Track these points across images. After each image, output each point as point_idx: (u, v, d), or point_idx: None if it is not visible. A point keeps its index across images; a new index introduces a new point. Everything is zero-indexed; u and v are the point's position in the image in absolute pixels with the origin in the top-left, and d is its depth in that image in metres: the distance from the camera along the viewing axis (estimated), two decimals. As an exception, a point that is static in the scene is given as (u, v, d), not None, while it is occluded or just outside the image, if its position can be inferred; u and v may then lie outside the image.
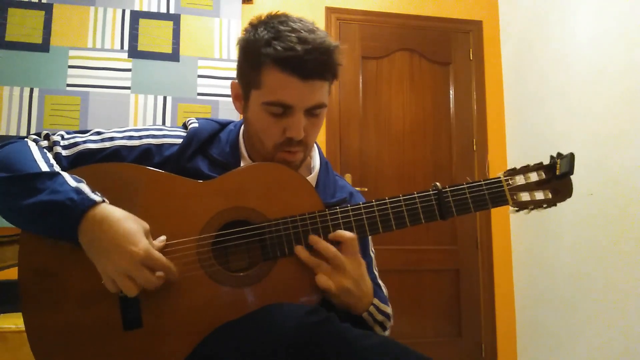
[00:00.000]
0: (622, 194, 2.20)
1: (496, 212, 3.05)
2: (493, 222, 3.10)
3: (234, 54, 2.83)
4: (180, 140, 0.98)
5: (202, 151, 0.99)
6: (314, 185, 1.03)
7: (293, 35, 0.89)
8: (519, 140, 3.05)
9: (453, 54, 3.21)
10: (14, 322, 1.47)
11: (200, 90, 2.77)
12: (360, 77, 3.07)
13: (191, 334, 0.85)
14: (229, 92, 2.77)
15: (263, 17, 0.96)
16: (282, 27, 0.91)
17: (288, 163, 0.97)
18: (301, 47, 0.88)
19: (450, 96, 3.18)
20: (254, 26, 0.95)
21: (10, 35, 2.59)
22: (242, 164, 1.00)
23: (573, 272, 2.51)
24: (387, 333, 1.00)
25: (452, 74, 3.19)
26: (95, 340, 0.84)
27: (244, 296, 0.88)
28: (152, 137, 0.97)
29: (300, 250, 0.91)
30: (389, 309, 1.01)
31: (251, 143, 1.01)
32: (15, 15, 2.61)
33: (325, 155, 1.13)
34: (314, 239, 0.91)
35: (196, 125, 1.01)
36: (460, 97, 3.18)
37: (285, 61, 0.89)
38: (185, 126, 1.03)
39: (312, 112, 0.95)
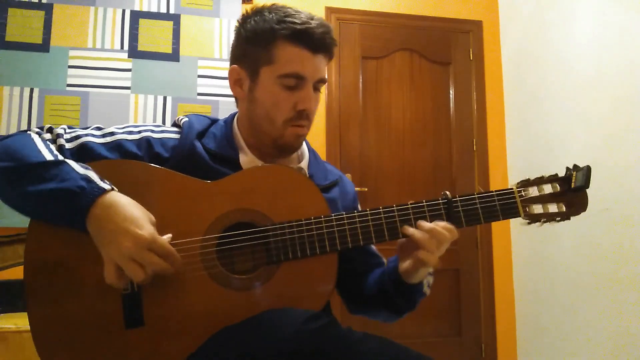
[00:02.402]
0: (622, 194, 2.20)
1: (496, 212, 3.05)
2: (493, 222, 3.10)
3: (234, 54, 2.85)
4: (178, 135, 1.01)
5: (200, 141, 1.01)
6: (307, 171, 1.06)
7: (301, 14, 0.98)
8: (519, 140, 3.05)
9: (453, 54, 3.21)
10: (14, 322, 1.47)
11: (200, 90, 2.77)
12: (360, 77, 3.07)
13: (191, 336, 0.85)
14: (229, 92, 2.79)
15: (259, 7, 1.02)
16: (288, 10, 0.99)
17: (298, 137, 1.01)
18: (313, 22, 0.97)
19: (450, 96, 3.18)
20: (257, 12, 1.01)
21: (10, 35, 2.59)
22: (240, 156, 1.02)
23: (573, 272, 2.51)
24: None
25: (452, 74, 3.19)
26: (97, 336, 0.84)
27: (245, 299, 0.88)
28: (150, 132, 1.00)
29: (411, 229, 0.92)
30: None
31: (256, 126, 1.02)
32: (15, 15, 2.61)
33: (325, 156, 1.16)
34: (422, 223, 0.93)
35: (187, 119, 1.04)
36: (460, 97, 3.18)
37: (301, 34, 0.96)
38: (176, 124, 1.06)
39: (317, 86, 1.01)
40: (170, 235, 0.86)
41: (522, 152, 3.01)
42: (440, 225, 0.92)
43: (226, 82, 3.16)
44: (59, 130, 0.96)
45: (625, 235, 2.18)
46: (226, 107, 2.75)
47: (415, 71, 3.15)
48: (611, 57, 2.32)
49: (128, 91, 2.69)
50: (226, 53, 2.82)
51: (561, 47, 2.67)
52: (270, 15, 0.98)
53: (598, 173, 2.35)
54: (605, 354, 2.29)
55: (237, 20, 1.05)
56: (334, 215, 0.93)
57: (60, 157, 0.87)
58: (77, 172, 0.84)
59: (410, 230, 0.92)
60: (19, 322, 1.46)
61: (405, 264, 0.97)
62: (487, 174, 3.11)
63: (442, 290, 3.03)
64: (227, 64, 3.27)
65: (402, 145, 3.07)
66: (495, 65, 3.24)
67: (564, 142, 2.61)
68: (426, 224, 0.92)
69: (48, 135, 0.95)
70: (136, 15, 2.77)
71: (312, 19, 0.98)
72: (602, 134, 2.35)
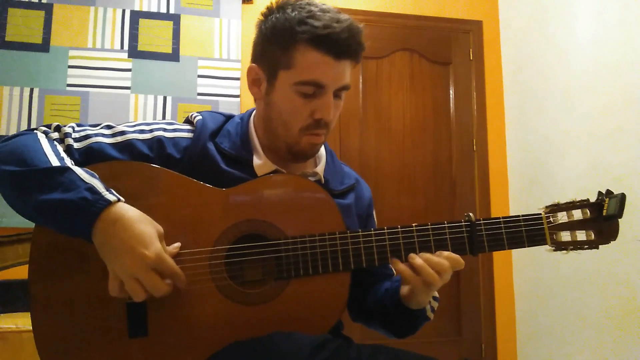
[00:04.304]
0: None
1: (496, 212, 3.05)
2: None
3: (234, 53, 2.84)
4: (191, 134, 0.97)
5: (213, 142, 0.97)
6: (322, 176, 1.02)
7: (326, 14, 0.90)
8: (519, 140, 3.05)
9: (453, 54, 3.21)
10: (14, 322, 1.47)
11: (200, 90, 2.77)
12: (360, 77, 3.07)
13: (195, 349, 0.84)
14: (229, 92, 2.82)
15: (281, 1, 0.95)
16: (312, 8, 0.91)
17: (313, 146, 0.96)
18: (337, 25, 0.89)
19: (450, 96, 3.18)
20: (279, 8, 0.94)
21: (10, 35, 2.59)
22: (254, 158, 0.97)
23: (573, 272, 2.51)
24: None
25: (452, 74, 3.19)
26: (99, 343, 0.83)
27: (252, 315, 0.85)
28: (163, 130, 0.96)
29: (418, 260, 0.87)
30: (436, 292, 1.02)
31: (271, 130, 0.98)
32: (15, 15, 2.61)
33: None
34: (425, 255, 0.88)
35: (200, 117, 1.00)
36: (460, 97, 3.18)
37: (322, 39, 0.88)
38: (188, 121, 1.02)
39: (338, 93, 0.94)
40: (179, 244, 0.84)
41: (522, 152, 3.01)
42: (444, 255, 0.87)
43: (226, 82, 3.18)
44: (67, 129, 0.92)
45: (626, 234, 2.18)
46: (226, 107, 2.75)
47: (415, 71, 3.15)
48: (611, 57, 2.32)
49: (128, 91, 2.68)
50: (226, 53, 2.82)
51: (561, 47, 2.67)
52: (293, 13, 0.90)
53: (599, 172, 2.35)
54: (605, 355, 2.29)
55: (261, 13, 0.97)
56: (349, 233, 0.89)
57: (67, 162, 0.83)
58: (82, 181, 0.80)
59: (418, 261, 0.87)
60: (19, 322, 1.46)
61: (406, 290, 0.93)
62: (487, 174, 3.11)
63: (442, 290, 3.00)
64: (227, 64, 3.26)
65: (402, 145, 3.07)
66: (495, 65, 3.23)
67: (564, 142, 2.61)
68: (433, 258, 0.87)
69: (56, 135, 0.91)
70: (136, 15, 2.76)
71: (337, 21, 0.89)
72: (602, 134, 2.35)
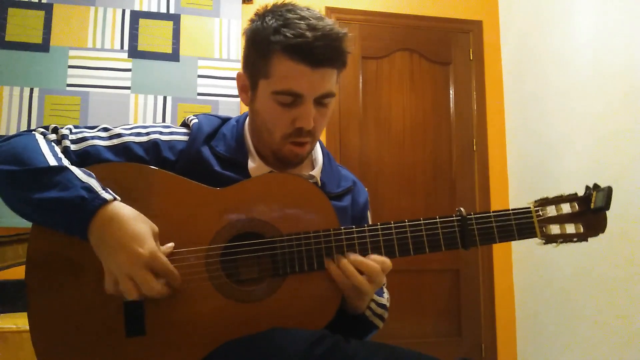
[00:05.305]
0: (622, 194, 2.20)
1: (496, 212, 3.05)
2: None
3: (234, 53, 2.85)
4: (187, 138, 0.97)
5: (208, 145, 0.98)
6: (318, 179, 1.02)
7: (302, 22, 0.88)
8: (519, 140, 3.05)
9: (453, 54, 3.21)
10: (14, 322, 1.47)
11: (200, 90, 2.77)
12: (360, 77, 3.07)
13: (193, 347, 0.84)
14: (229, 92, 2.82)
15: (269, 7, 0.95)
16: (290, 15, 0.90)
17: (296, 155, 0.96)
18: (311, 34, 0.87)
19: (450, 96, 3.18)
20: (261, 15, 0.94)
21: (10, 35, 2.59)
22: (249, 161, 0.98)
23: (573, 272, 2.51)
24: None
25: (452, 74, 3.19)
26: (97, 342, 0.83)
27: (249, 312, 0.86)
28: (159, 134, 0.97)
29: (331, 264, 0.87)
30: (384, 300, 1.02)
31: (258, 135, 0.99)
32: (15, 15, 2.61)
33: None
34: (360, 257, 0.88)
35: (196, 120, 1.01)
36: (460, 97, 3.18)
37: (295, 48, 0.87)
38: (185, 124, 1.03)
39: (321, 101, 0.93)
40: (172, 244, 0.84)
41: (522, 152, 3.01)
42: (372, 257, 0.87)
43: (226, 82, 3.17)
44: (65, 131, 0.93)
45: (626, 234, 2.18)
46: (226, 107, 2.75)
47: (415, 71, 3.15)
48: (611, 57, 2.32)
49: (128, 91, 2.69)
50: (226, 53, 2.82)
51: (561, 47, 2.67)
52: (271, 22, 0.90)
53: (599, 172, 2.35)
54: (605, 354, 2.29)
55: (248, 19, 0.98)
56: (343, 229, 0.89)
57: (64, 162, 0.85)
58: (80, 180, 0.81)
59: (332, 266, 0.87)
60: (19, 322, 1.46)
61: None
62: (487, 174, 3.11)
63: (442, 290, 3.03)
64: (227, 64, 3.26)
65: (402, 145, 3.07)
66: (495, 65, 3.24)
67: (564, 142, 2.61)
68: (358, 258, 0.86)
69: (53, 136, 0.92)
70: (136, 15, 2.77)
71: (314, 28, 0.87)
72: (602, 134, 2.35)
